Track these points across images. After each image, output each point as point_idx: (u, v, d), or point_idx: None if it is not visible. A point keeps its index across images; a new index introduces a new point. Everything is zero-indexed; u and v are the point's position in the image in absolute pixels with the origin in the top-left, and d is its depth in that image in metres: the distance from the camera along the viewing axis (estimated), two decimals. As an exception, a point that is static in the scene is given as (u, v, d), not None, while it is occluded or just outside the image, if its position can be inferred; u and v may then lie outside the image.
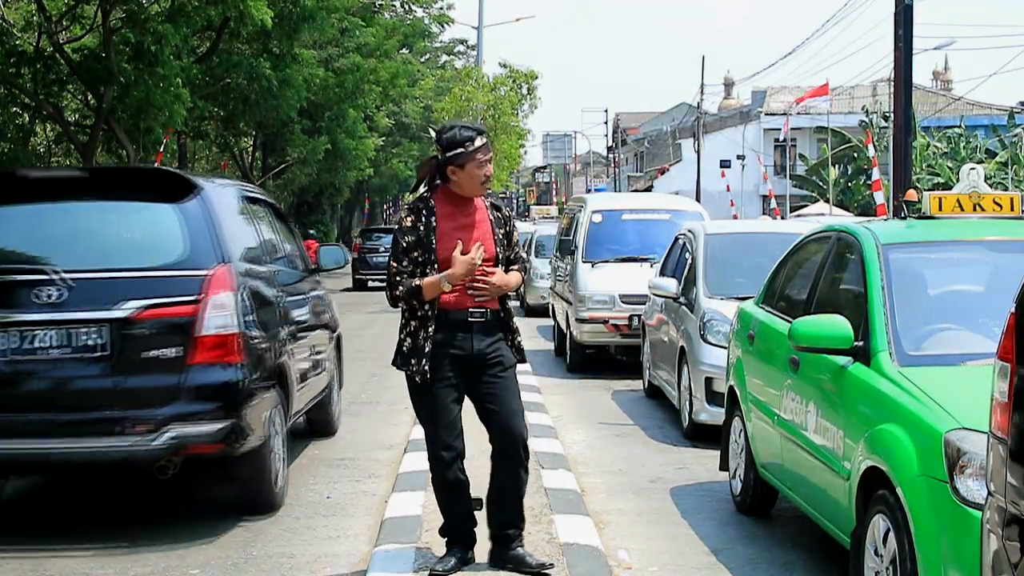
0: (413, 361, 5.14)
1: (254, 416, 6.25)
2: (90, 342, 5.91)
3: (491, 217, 5.31)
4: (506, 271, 5.32)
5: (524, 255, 5.55)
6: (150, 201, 6.45)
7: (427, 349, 5.13)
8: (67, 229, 6.41)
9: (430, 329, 5.14)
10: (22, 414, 5.94)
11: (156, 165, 24.19)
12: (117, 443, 5.84)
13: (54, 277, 5.94)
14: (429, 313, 5.15)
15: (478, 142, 5.19)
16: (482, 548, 5.44)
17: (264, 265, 7.05)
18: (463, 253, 5.12)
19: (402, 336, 5.24)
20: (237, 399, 6.09)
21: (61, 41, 22.67)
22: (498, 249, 5.26)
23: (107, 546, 6.00)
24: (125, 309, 5.91)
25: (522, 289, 19.72)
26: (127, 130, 23.53)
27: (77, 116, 27.89)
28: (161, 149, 24.90)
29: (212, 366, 6.02)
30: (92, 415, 5.89)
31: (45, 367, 5.96)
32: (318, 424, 8.97)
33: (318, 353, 8.19)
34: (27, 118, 26.28)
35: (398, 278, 5.15)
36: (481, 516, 5.42)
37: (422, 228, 5.17)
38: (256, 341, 6.36)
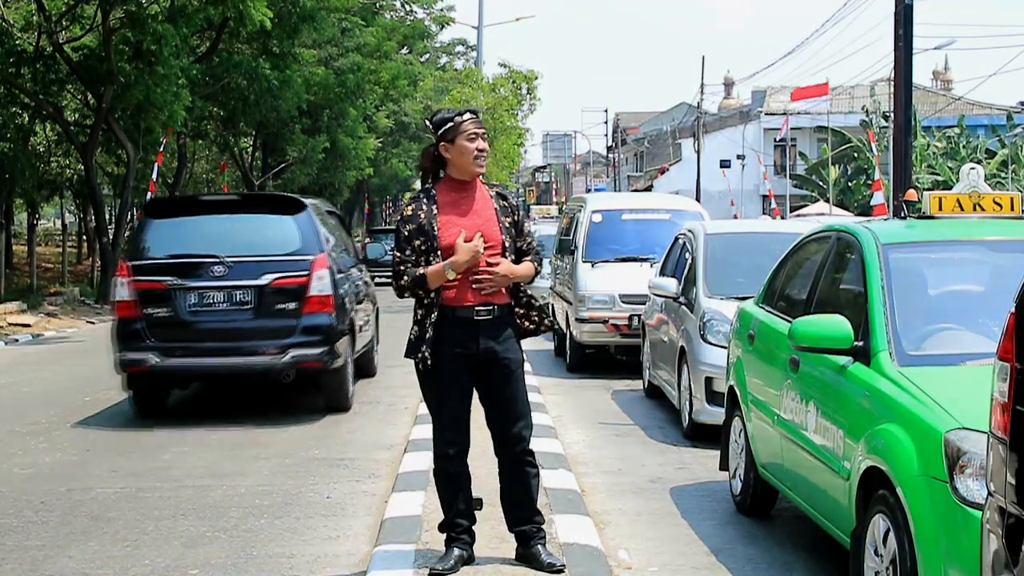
0: (422, 349, 5.14)
1: (340, 346, 9.69)
2: (242, 299, 9.49)
3: (496, 206, 5.28)
4: (518, 262, 5.28)
5: (538, 247, 5.47)
6: (277, 214, 10.05)
7: (428, 335, 5.12)
8: (228, 230, 9.91)
9: (434, 317, 5.13)
10: (201, 343, 9.49)
11: (157, 165, 24.28)
12: (259, 360, 9.43)
13: (221, 260, 9.49)
14: (434, 301, 5.14)
15: (466, 116, 5.22)
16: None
17: (338, 254, 10.47)
18: (466, 241, 5.10)
19: (412, 326, 5.24)
20: (331, 334, 9.55)
21: (61, 41, 22.66)
22: (505, 238, 5.22)
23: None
24: (264, 280, 9.45)
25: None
26: (127, 130, 23.52)
27: (77, 116, 27.88)
28: (161, 149, 24.91)
29: (316, 314, 9.47)
30: (243, 344, 9.43)
31: (215, 314, 9.49)
32: (363, 368, 11.89)
33: (367, 315, 11.69)
34: (27, 118, 26.27)
35: (402, 267, 5.14)
36: (490, 514, 5.42)
37: (423, 216, 5.16)
38: (339, 300, 9.77)
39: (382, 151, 46.79)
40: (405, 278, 5.13)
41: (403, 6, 44.11)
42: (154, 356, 9.39)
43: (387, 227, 41.63)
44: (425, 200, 5.21)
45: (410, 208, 5.22)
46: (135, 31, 21.35)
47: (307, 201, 10.21)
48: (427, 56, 54.02)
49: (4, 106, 24.26)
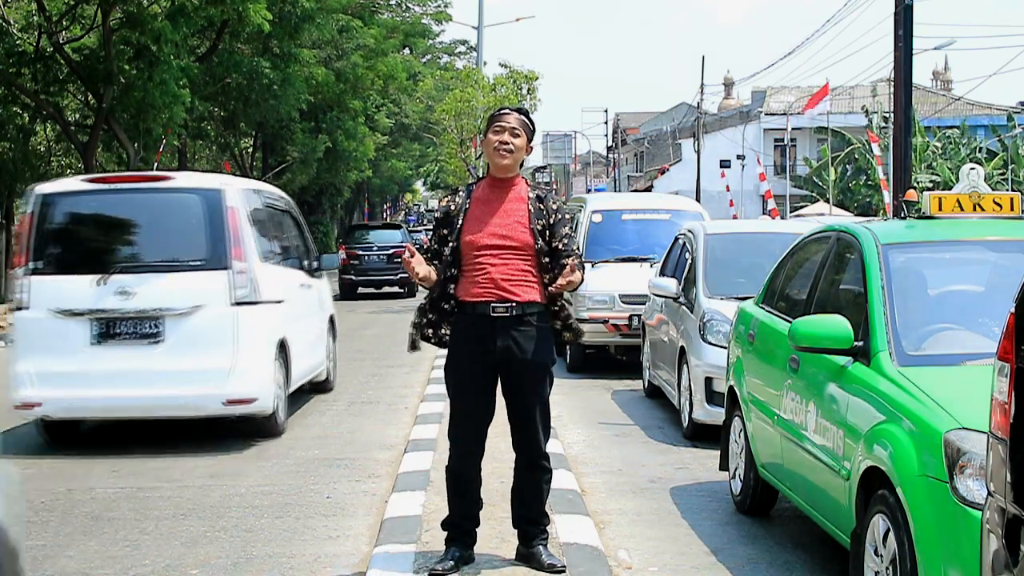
0: (418, 328, 5.33)
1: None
2: (383, 258, 26.86)
3: (531, 208, 5.27)
4: (553, 264, 5.19)
5: (577, 249, 5.45)
6: (393, 230, 30.47)
7: (428, 319, 5.29)
8: (379, 235, 28.75)
9: (425, 307, 5.33)
10: (370, 272, 27.08)
11: (156, 165, 24.37)
12: (391, 278, 26.87)
13: (376, 244, 27.47)
14: (437, 291, 5.29)
15: (503, 110, 5.38)
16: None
17: (411, 242, 26.08)
18: (476, 240, 5.18)
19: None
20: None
21: (61, 41, 22.65)
22: (537, 241, 5.19)
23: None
24: (391, 251, 26.65)
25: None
26: (127, 130, 23.49)
27: (77, 116, 27.88)
28: (161, 149, 24.90)
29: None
30: (386, 272, 26.90)
31: (374, 263, 26.98)
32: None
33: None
34: (27, 118, 26.27)
35: (425, 255, 5.32)
36: (490, 514, 5.43)
37: (454, 208, 5.28)
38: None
39: (381, 151, 46.78)
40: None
41: (399, 5, 44.10)
42: (352, 277, 26.46)
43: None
44: (463, 194, 5.35)
45: (446, 199, 5.39)
46: (135, 31, 21.34)
47: (400, 223, 37.59)
48: (428, 56, 53.97)
49: (5, 106, 24.26)
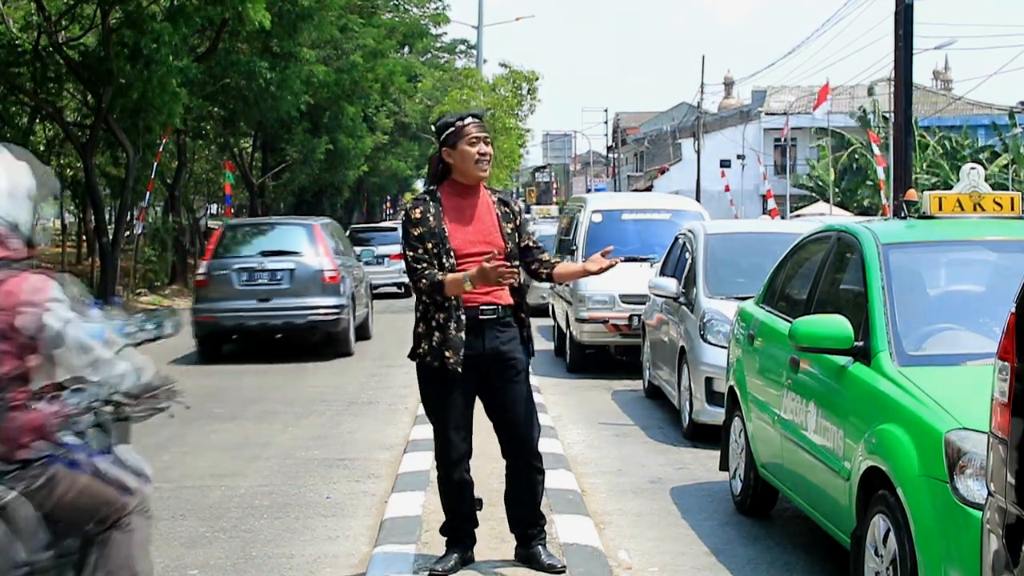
0: (448, 353, 5.03)
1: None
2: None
3: (498, 212, 5.25)
4: (531, 261, 5.31)
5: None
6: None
7: (451, 336, 5.03)
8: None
9: (462, 318, 5.06)
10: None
11: (156, 164, 24.32)
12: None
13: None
14: (456, 303, 5.07)
15: (468, 120, 5.17)
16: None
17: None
18: (461, 248, 5.08)
19: (420, 329, 5.14)
20: None
21: (60, 40, 22.65)
22: (508, 244, 5.19)
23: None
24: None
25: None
26: (126, 130, 23.47)
27: (77, 116, 27.87)
28: (160, 149, 24.90)
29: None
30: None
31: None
32: None
33: None
34: (26, 118, 26.27)
35: (419, 267, 5.08)
36: (490, 514, 5.42)
37: (432, 220, 5.12)
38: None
39: (380, 150, 46.79)
40: (424, 281, 5.05)
41: (397, 6, 44.09)
42: None
43: (373, 226, 42.11)
44: (431, 203, 5.16)
45: (418, 211, 5.15)
46: (134, 31, 21.33)
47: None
48: (428, 56, 53.96)
49: (4, 105, 24.25)
